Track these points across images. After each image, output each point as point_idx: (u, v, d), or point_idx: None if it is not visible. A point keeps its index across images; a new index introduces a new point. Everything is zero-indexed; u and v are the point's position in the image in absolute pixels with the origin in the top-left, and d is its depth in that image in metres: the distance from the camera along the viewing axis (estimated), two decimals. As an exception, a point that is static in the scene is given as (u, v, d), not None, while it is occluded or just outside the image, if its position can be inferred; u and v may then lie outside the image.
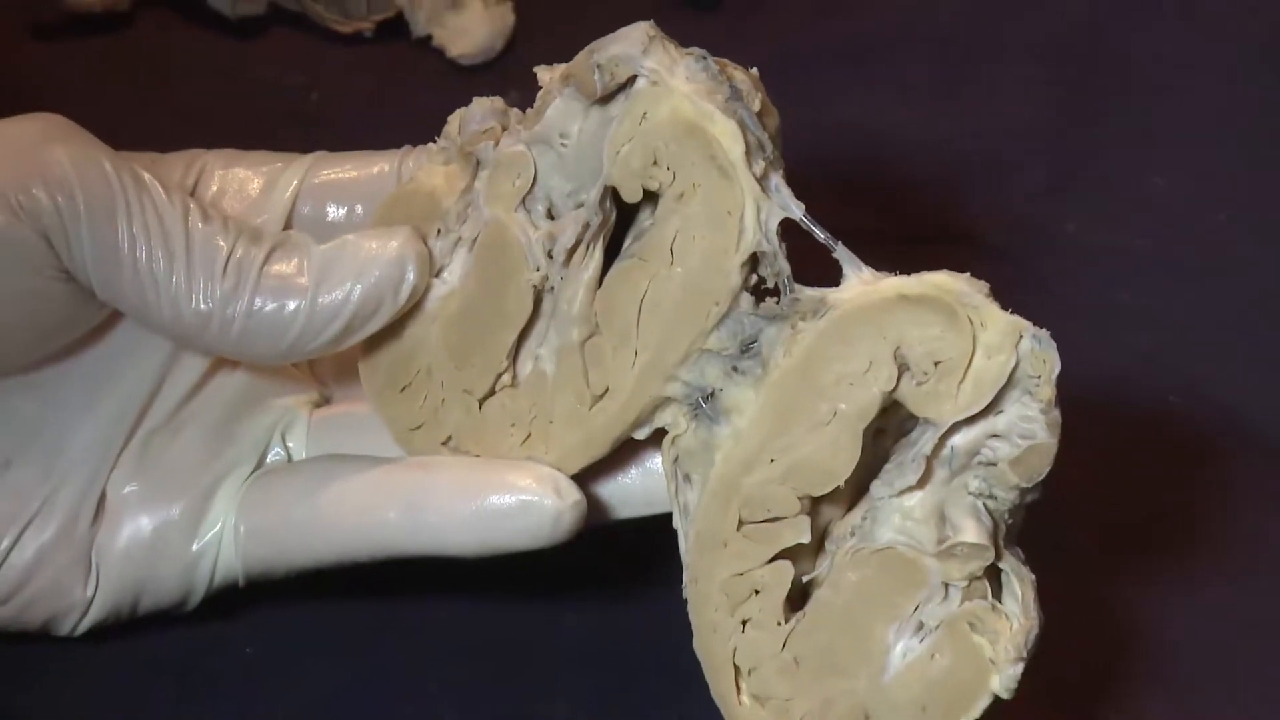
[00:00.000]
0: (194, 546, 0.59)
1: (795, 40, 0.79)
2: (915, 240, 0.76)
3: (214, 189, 0.59)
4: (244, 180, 0.60)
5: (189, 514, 0.59)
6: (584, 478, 0.57)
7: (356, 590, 0.62)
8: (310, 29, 0.88)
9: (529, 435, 0.57)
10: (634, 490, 0.58)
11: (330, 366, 0.63)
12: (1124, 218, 0.82)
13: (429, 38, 0.87)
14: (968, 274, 0.52)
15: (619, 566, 0.60)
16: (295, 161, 0.61)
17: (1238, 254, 0.81)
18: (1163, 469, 0.72)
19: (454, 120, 0.57)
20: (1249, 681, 0.64)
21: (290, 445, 0.61)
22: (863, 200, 0.79)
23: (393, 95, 0.84)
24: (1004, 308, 0.52)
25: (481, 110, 0.57)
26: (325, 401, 0.63)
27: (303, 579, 0.59)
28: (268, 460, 0.61)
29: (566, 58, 0.55)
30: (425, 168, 0.58)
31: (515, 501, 0.55)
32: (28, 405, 0.57)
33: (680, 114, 0.52)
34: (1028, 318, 0.52)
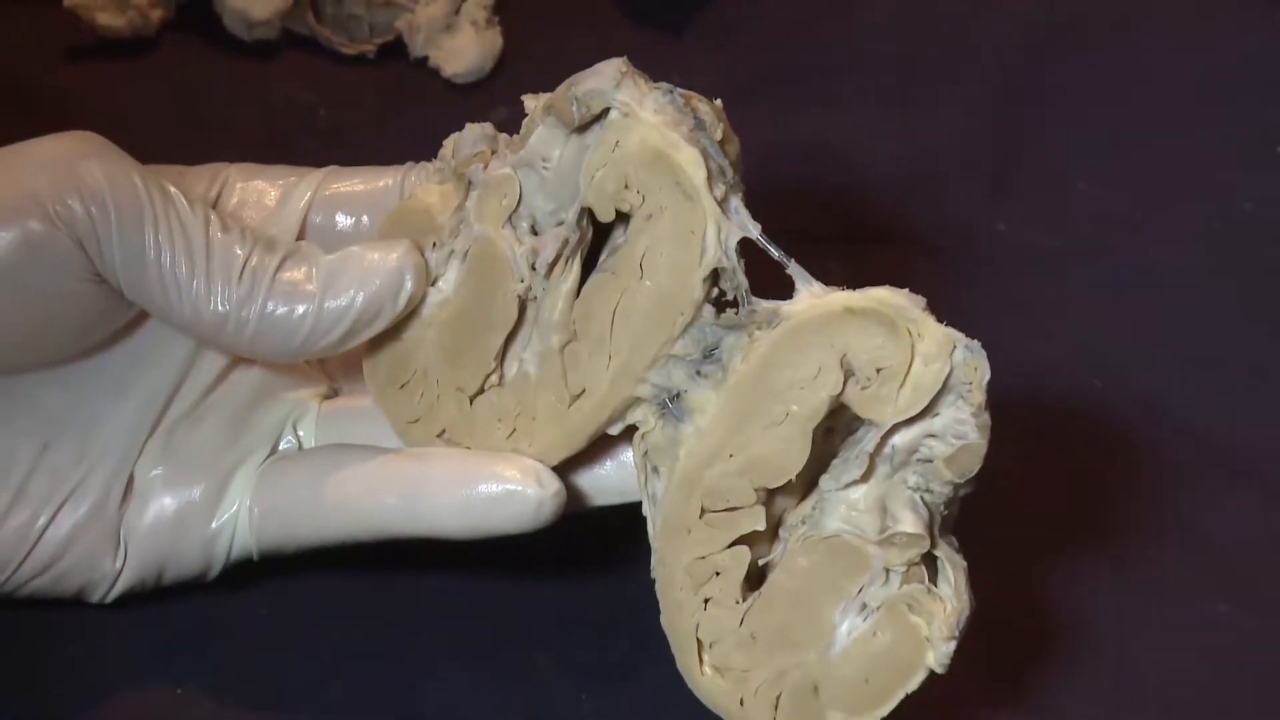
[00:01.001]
0: (212, 525, 0.61)
1: (752, 63, 0.80)
2: (862, 240, 0.76)
3: (235, 199, 0.61)
4: (262, 191, 0.62)
5: (208, 496, 0.61)
6: (563, 469, 0.59)
7: (361, 562, 0.64)
8: (319, 51, 0.89)
9: (514, 430, 0.59)
10: (608, 481, 0.60)
11: (338, 363, 0.65)
12: (1051, 220, 0.84)
13: (426, 58, 0.88)
14: (907, 289, 0.54)
15: (595, 548, 0.60)
16: (309, 175, 0.63)
17: (1152, 253, 0.82)
18: (1086, 448, 0.74)
19: (449, 144, 0.59)
20: (1170, 651, 0.66)
21: (301, 434, 0.63)
22: (814, 205, 0.81)
23: (393, 110, 0.86)
24: (943, 301, 0.54)
25: (473, 135, 0.59)
26: (333, 394, 0.65)
27: (312, 554, 0.61)
28: (280, 447, 0.63)
29: (549, 77, 0.57)
30: (423, 186, 0.60)
31: (502, 490, 0.57)
32: (61, 396, 0.59)
33: (649, 143, 0.54)
34: (963, 310, 0.53)
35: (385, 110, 0.86)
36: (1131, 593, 0.67)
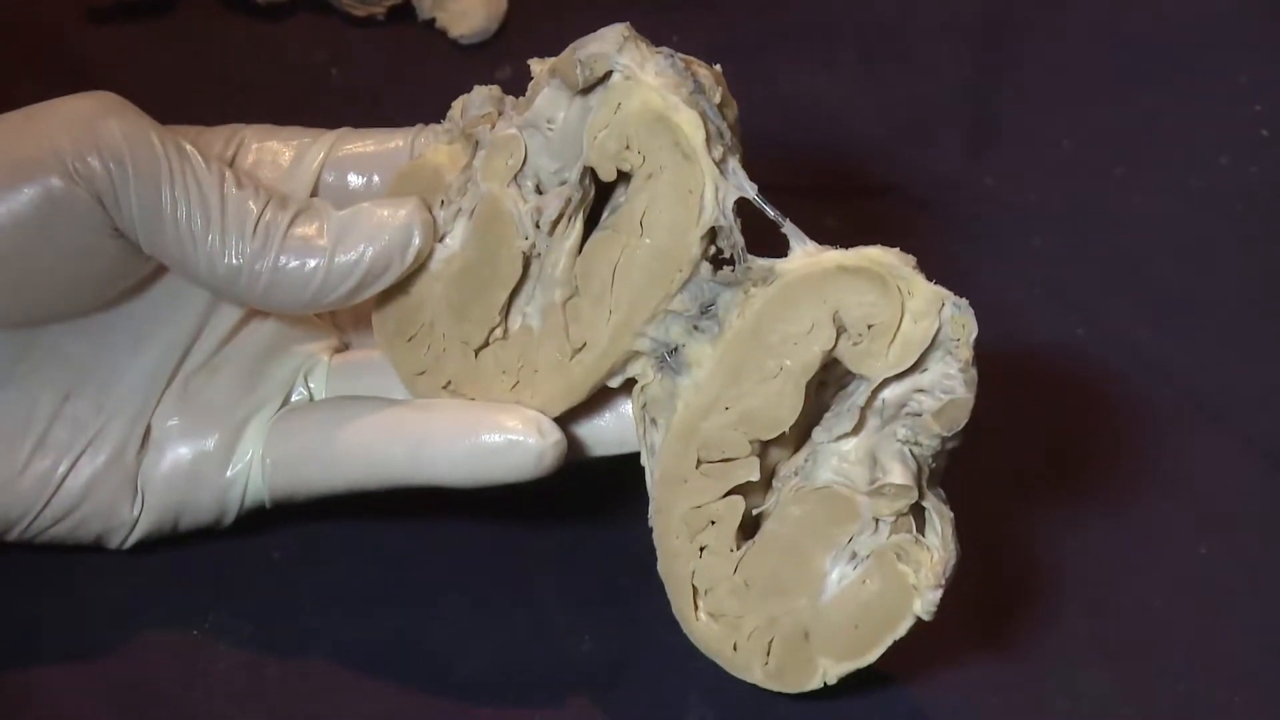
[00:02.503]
0: (227, 474, 0.61)
1: (747, 25, 0.79)
2: (854, 194, 0.76)
3: (251, 159, 0.61)
4: (277, 152, 0.61)
5: (222, 446, 0.61)
6: (564, 420, 0.59)
7: (370, 509, 0.63)
8: (330, 13, 0.89)
9: (517, 382, 0.59)
10: (607, 432, 0.60)
11: (349, 317, 0.65)
12: (1035, 174, 0.84)
13: (433, 20, 0.87)
14: (898, 248, 0.54)
15: (599, 493, 0.60)
16: (322, 136, 0.62)
17: (1133, 204, 0.82)
18: (1068, 395, 0.74)
19: (457, 105, 0.59)
20: (1150, 592, 0.66)
21: (312, 386, 0.63)
22: (807, 162, 0.81)
23: (402, 71, 0.86)
24: (931, 252, 0.55)
25: (480, 97, 0.59)
26: (344, 348, 0.65)
27: (322, 500, 0.61)
28: (292, 399, 0.63)
29: (553, 38, 0.57)
30: (432, 146, 0.60)
31: (504, 440, 0.57)
32: (81, 347, 0.59)
33: (650, 105, 0.54)
34: (951, 260, 0.53)
35: (394, 70, 0.86)
36: (1112, 535, 0.67)
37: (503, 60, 0.78)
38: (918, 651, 0.57)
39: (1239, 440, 0.71)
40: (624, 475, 0.59)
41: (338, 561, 0.64)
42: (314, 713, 0.60)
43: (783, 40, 0.89)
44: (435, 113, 0.60)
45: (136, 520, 0.60)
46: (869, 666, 0.57)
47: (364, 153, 0.61)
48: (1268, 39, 0.91)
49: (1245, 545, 0.67)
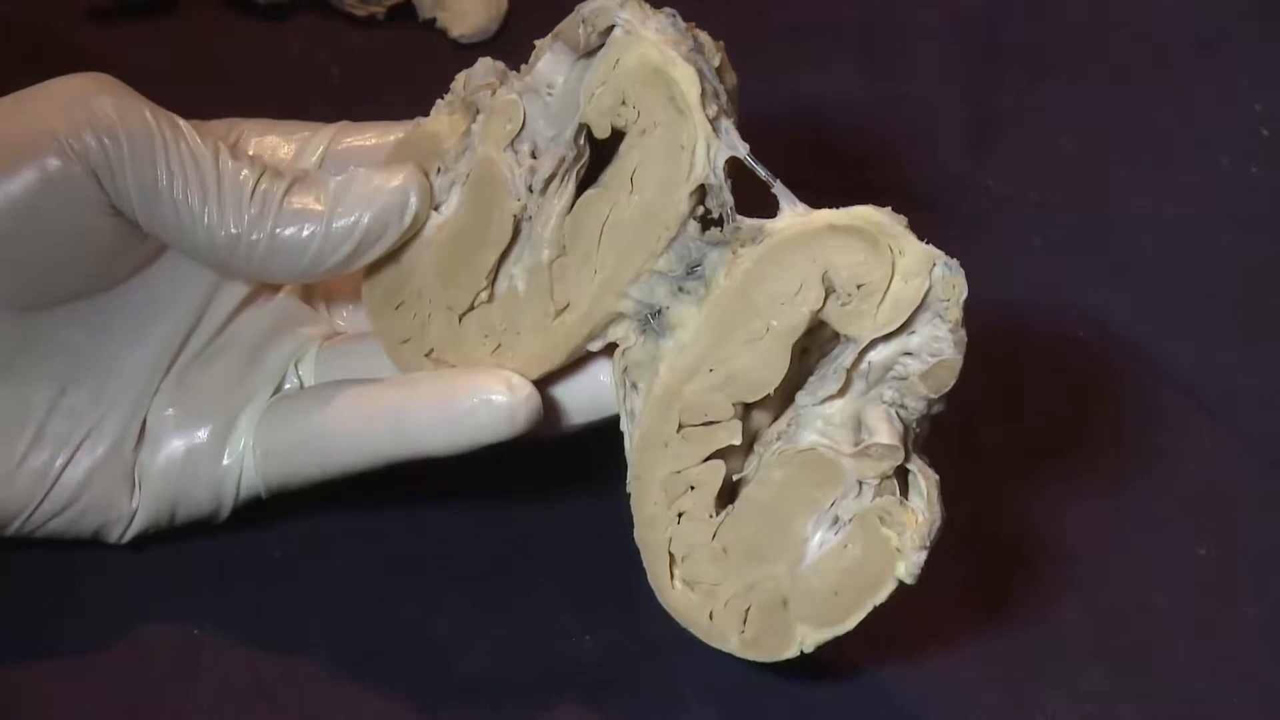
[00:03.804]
0: (220, 465, 0.60)
1: (742, 28, 0.79)
2: (851, 193, 0.75)
3: (250, 153, 0.61)
4: (276, 146, 0.62)
5: (216, 437, 0.60)
6: (543, 385, 0.58)
7: (369, 501, 0.64)
8: (331, 13, 0.89)
9: (499, 345, 0.58)
10: (583, 398, 0.59)
11: (341, 298, 0.64)
12: (1035, 173, 0.84)
13: (433, 20, 0.88)
14: (889, 208, 0.54)
15: (597, 478, 0.60)
16: (322, 130, 0.62)
17: (1133, 204, 0.82)
18: (1069, 393, 0.73)
19: (460, 78, 0.59)
20: (1147, 585, 0.65)
21: (301, 373, 0.63)
22: (806, 159, 0.81)
23: (402, 70, 0.86)
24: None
25: (484, 69, 0.59)
26: (334, 335, 0.64)
27: (320, 490, 0.61)
28: (285, 387, 0.62)
29: None
30: (432, 116, 0.60)
31: (476, 401, 0.57)
32: (80, 338, 0.59)
33: (647, 59, 0.54)
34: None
35: (395, 70, 0.86)
36: (1112, 535, 0.67)
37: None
38: (916, 649, 0.56)
39: (1240, 440, 0.71)
40: (626, 472, 0.58)
41: (338, 559, 0.64)
42: (314, 711, 0.59)
43: (782, 39, 0.89)
44: (435, 112, 0.60)
45: (134, 513, 0.60)
46: (870, 666, 0.57)
47: (364, 146, 0.61)
48: (1267, 39, 0.92)
49: (1246, 545, 0.66)
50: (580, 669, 0.61)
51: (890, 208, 0.54)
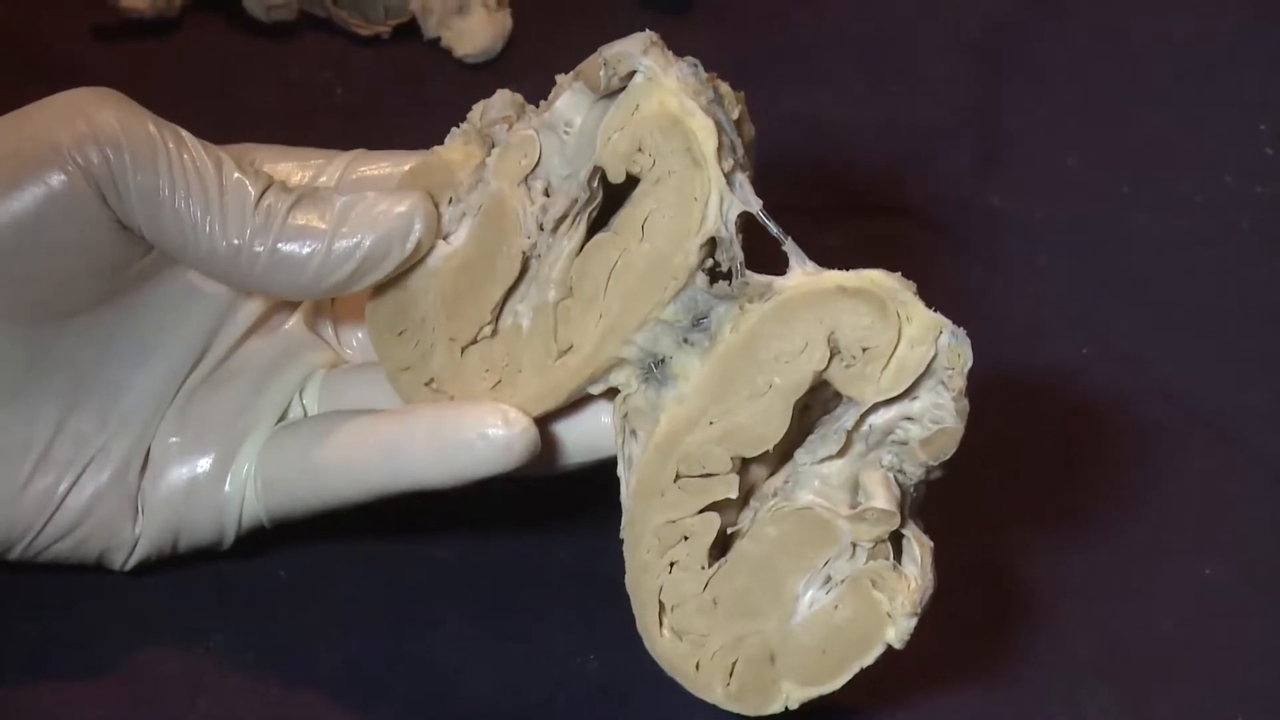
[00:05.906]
0: (223, 493, 0.60)
1: (752, 42, 0.79)
2: (858, 213, 0.76)
3: (256, 169, 0.59)
4: (290, 174, 0.61)
5: (218, 465, 0.60)
6: (541, 422, 0.58)
7: (375, 527, 0.63)
8: (335, 32, 0.88)
9: (499, 381, 0.58)
10: (584, 439, 0.59)
11: (354, 330, 0.64)
12: (1042, 192, 0.83)
13: (438, 39, 0.87)
14: (900, 272, 0.53)
15: (598, 509, 0.59)
16: (336, 158, 0.62)
17: (1139, 222, 0.82)
18: (1073, 412, 0.73)
19: (477, 109, 0.58)
20: (1153, 612, 0.65)
21: (306, 402, 0.62)
22: (811, 180, 0.80)
23: (407, 89, 0.85)
24: (937, 270, 0.53)
25: (501, 101, 0.58)
26: (340, 363, 0.63)
27: (326, 514, 0.60)
28: (289, 416, 0.62)
29: (557, 58, 0.57)
30: (447, 145, 0.59)
31: (472, 434, 0.57)
32: (87, 360, 0.58)
33: (666, 107, 0.54)
34: (956, 280, 0.52)
35: (399, 89, 0.85)
36: (1116, 554, 0.66)
37: (508, 80, 0.77)
38: (920, 671, 0.56)
39: (1245, 459, 0.70)
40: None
41: (343, 581, 0.63)
42: (319, 733, 0.59)
43: (787, 58, 0.89)
44: (440, 132, 0.59)
45: (137, 540, 0.59)
46: (875, 699, 0.57)
47: (379, 175, 0.60)
48: (1273, 57, 0.91)
49: (1250, 565, 0.66)
50: (586, 692, 0.61)
51: (900, 255, 0.54)
